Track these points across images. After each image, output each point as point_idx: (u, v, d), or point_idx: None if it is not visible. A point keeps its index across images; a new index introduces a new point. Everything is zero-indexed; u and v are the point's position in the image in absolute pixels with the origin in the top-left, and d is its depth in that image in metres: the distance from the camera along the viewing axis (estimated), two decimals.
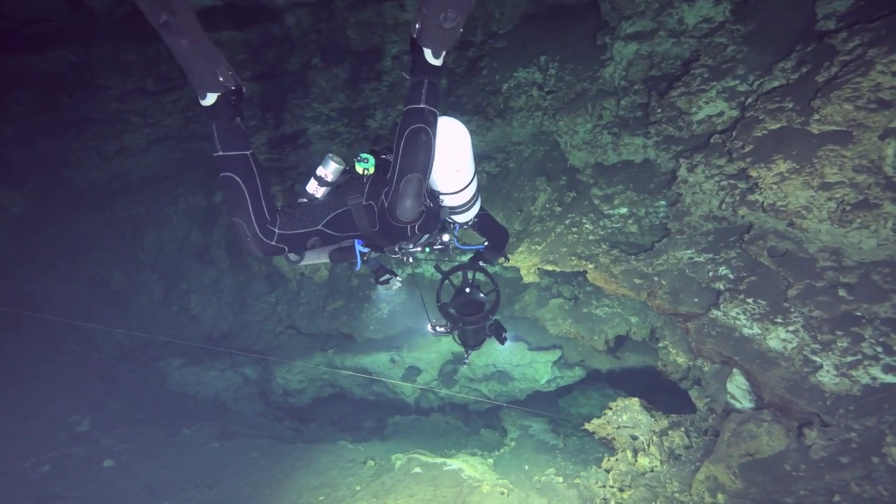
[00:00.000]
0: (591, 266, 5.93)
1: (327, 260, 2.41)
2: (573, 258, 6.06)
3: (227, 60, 1.85)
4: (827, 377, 3.69)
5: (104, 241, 9.74)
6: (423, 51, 1.91)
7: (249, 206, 1.94)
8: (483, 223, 2.79)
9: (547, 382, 8.53)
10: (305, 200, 2.27)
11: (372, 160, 2.26)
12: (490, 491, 5.31)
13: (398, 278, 2.79)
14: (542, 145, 7.60)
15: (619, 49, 5.67)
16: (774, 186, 3.63)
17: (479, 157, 8.01)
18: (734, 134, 4.07)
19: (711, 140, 4.52)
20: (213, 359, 9.43)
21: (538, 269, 6.58)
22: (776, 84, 4.04)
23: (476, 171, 2.40)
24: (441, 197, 2.34)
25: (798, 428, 3.86)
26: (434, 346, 8.33)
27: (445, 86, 7.64)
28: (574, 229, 6.28)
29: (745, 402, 4.89)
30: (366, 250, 2.40)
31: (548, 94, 6.56)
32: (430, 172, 2.09)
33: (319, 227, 2.13)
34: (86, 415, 8.09)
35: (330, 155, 2.19)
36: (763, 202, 3.86)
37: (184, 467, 6.78)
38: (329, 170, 2.18)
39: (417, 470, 6.04)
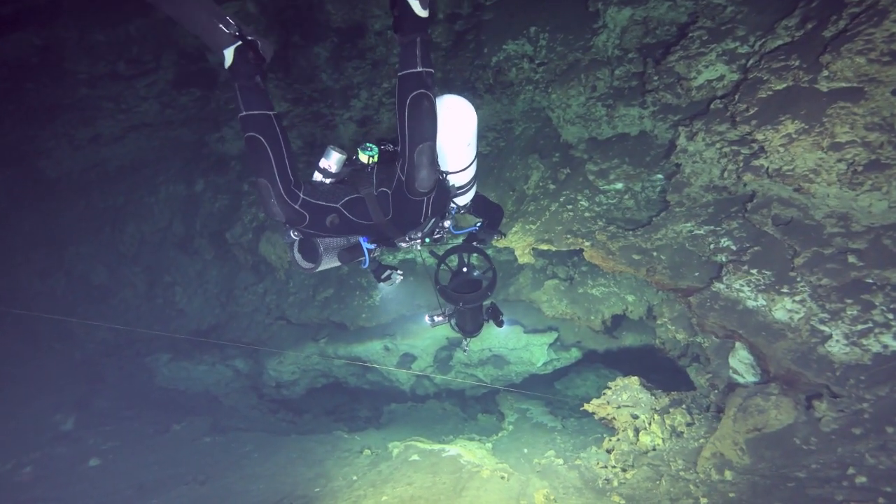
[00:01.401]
0: (587, 244, 5.76)
1: (338, 263, 2.40)
2: (569, 236, 5.88)
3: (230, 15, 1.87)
4: (836, 347, 3.56)
5: (82, 234, 9.38)
6: (407, 3, 1.83)
7: (274, 165, 1.93)
8: (477, 204, 2.78)
9: (543, 365, 8.42)
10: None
11: (376, 149, 2.24)
12: (490, 476, 5.18)
13: (398, 272, 2.80)
14: (534, 122, 7.37)
15: (612, 15, 5.42)
16: (781, 149, 3.45)
17: None
18: (737, 97, 3.88)
19: (712, 106, 4.32)
20: (203, 353, 9.20)
21: (533, 248, 6.40)
22: (779, 43, 3.84)
23: (477, 153, 2.40)
24: (447, 176, 2.32)
25: (806, 400, 3.74)
26: (428, 332, 8.16)
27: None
28: (569, 207, 6.09)
29: (748, 377, 4.78)
30: (372, 247, 2.40)
31: (539, 66, 6.31)
32: (437, 137, 2.06)
33: (338, 206, 2.13)
34: (70, 413, 7.84)
35: (331, 146, 2.16)
36: (769, 167, 3.68)
37: (174, 464, 6.58)
38: (332, 161, 2.15)
39: (415, 457, 5.90)
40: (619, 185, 5.87)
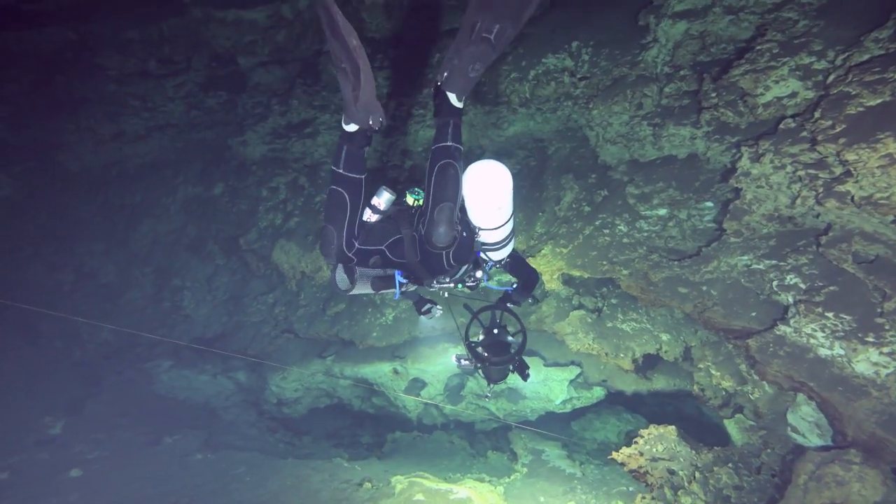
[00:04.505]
0: (625, 272, 5.25)
1: (371, 290, 2.56)
2: (604, 263, 5.38)
3: (383, 109, 2.12)
4: None
5: (95, 229, 9.19)
6: (447, 95, 2.13)
7: (346, 220, 2.22)
8: (514, 264, 2.88)
9: (562, 403, 7.76)
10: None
11: (423, 194, 2.41)
12: None
13: (438, 307, 2.96)
14: (569, 141, 6.97)
15: (664, 29, 5.05)
16: (878, 171, 2.95)
17: (499, 153, 7.40)
18: (817, 114, 3.41)
19: (781, 125, 3.85)
20: (205, 361, 8.79)
21: (563, 274, 5.90)
22: (868, 56, 3.39)
23: (514, 213, 2.52)
24: (479, 232, 2.49)
25: (895, 473, 3.12)
26: (440, 357, 7.62)
27: None
28: (605, 231, 5.61)
29: (812, 438, 4.13)
30: (405, 281, 2.57)
31: (580, 80, 5.94)
32: (459, 201, 2.28)
33: (382, 248, 2.39)
34: (61, 417, 7.43)
35: (383, 187, 2.41)
36: (856, 194, 3.18)
37: (160, 481, 6.09)
38: (382, 199, 2.40)
39: (420, 497, 5.32)
40: (663, 212, 5.38)
